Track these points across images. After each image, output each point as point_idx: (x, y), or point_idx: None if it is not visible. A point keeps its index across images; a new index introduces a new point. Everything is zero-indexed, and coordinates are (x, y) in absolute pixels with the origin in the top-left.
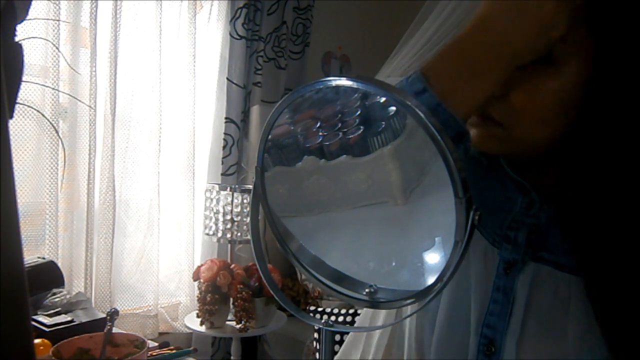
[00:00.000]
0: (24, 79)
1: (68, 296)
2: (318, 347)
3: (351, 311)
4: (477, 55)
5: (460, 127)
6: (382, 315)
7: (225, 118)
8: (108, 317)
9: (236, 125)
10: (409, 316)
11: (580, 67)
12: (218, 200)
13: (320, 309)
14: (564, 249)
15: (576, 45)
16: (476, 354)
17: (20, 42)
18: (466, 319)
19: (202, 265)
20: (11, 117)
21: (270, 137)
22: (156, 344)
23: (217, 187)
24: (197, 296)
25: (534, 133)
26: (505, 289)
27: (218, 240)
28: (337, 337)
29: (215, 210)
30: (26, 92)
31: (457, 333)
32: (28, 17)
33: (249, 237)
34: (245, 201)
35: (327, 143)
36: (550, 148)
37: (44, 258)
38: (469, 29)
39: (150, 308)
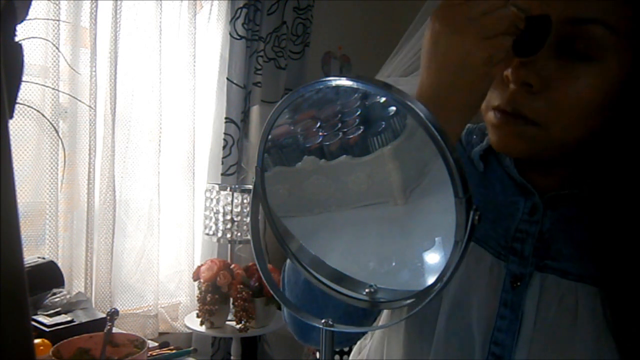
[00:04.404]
0: (24, 79)
1: (68, 296)
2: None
3: None
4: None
5: None
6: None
7: (225, 118)
8: (108, 317)
9: (236, 125)
10: (409, 315)
11: (624, 63)
12: (218, 200)
13: None
14: (567, 255)
15: (625, 38)
16: None
17: (20, 42)
18: (468, 335)
19: (202, 265)
20: (11, 117)
21: (270, 137)
22: (156, 344)
23: (217, 187)
24: (197, 296)
25: (571, 131)
26: (513, 303)
27: (218, 240)
28: None
29: (215, 210)
30: (26, 92)
31: (458, 350)
32: (28, 17)
33: (249, 237)
34: (245, 201)
35: (327, 143)
36: (575, 148)
37: (44, 258)
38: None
39: (150, 308)
